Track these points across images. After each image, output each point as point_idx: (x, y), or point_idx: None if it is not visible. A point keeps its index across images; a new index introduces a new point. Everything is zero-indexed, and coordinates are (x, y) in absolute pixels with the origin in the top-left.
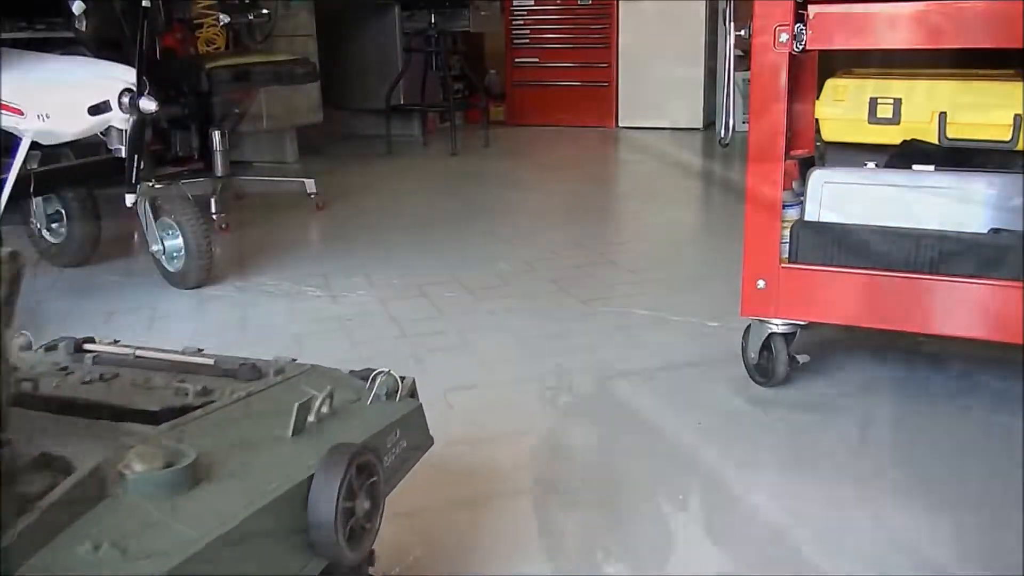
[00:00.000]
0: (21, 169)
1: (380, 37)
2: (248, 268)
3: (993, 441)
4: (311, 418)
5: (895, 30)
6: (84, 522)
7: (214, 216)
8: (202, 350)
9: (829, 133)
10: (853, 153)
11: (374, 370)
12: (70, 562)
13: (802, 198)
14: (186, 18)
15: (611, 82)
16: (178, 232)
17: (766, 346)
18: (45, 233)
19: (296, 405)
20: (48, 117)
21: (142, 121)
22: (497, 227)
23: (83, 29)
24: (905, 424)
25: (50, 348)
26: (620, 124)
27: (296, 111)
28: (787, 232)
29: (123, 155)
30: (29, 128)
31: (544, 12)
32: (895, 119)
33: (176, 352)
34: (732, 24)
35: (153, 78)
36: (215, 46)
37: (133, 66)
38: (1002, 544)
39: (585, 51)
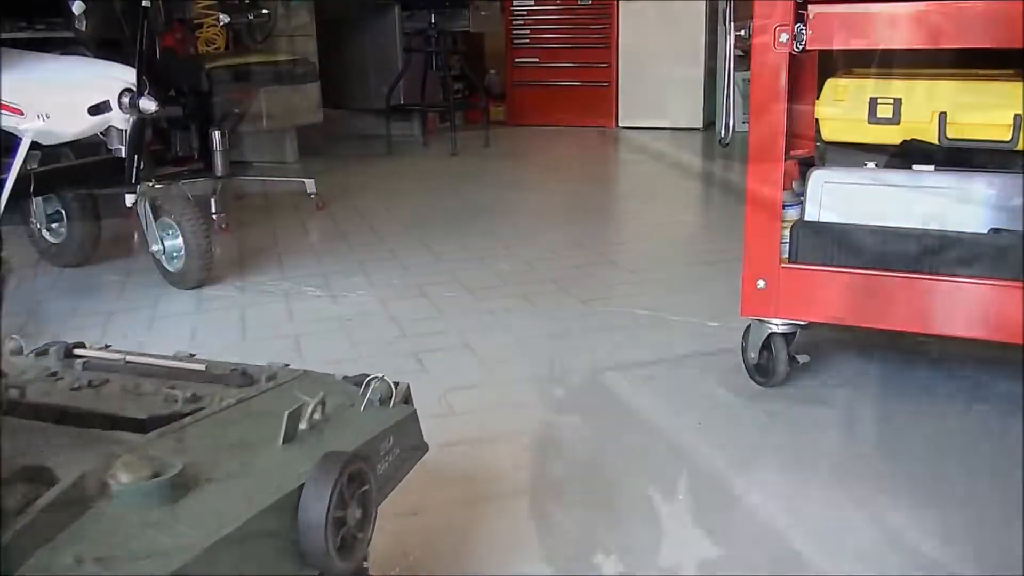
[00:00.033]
0: (21, 169)
1: (380, 37)
2: (248, 268)
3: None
4: (302, 425)
5: (895, 30)
6: (67, 535)
7: (214, 216)
8: (194, 355)
9: (829, 133)
10: (853, 153)
11: (368, 375)
12: None
13: (802, 198)
14: (186, 18)
15: (611, 82)
16: (178, 232)
17: (766, 346)
18: (45, 233)
19: (287, 413)
20: (48, 117)
21: (142, 121)
22: (497, 227)
23: (83, 29)
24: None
25: (40, 353)
26: (620, 124)
27: (296, 111)
28: (787, 232)
29: (123, 155)
30: (29, 128)
31: (544, 12)
32: (895, 119)
33: (167, 357)
34: (732, 24)
35: (153, 78)
36: (215, 46)
37: (133, 66)
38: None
39: (585, 51)
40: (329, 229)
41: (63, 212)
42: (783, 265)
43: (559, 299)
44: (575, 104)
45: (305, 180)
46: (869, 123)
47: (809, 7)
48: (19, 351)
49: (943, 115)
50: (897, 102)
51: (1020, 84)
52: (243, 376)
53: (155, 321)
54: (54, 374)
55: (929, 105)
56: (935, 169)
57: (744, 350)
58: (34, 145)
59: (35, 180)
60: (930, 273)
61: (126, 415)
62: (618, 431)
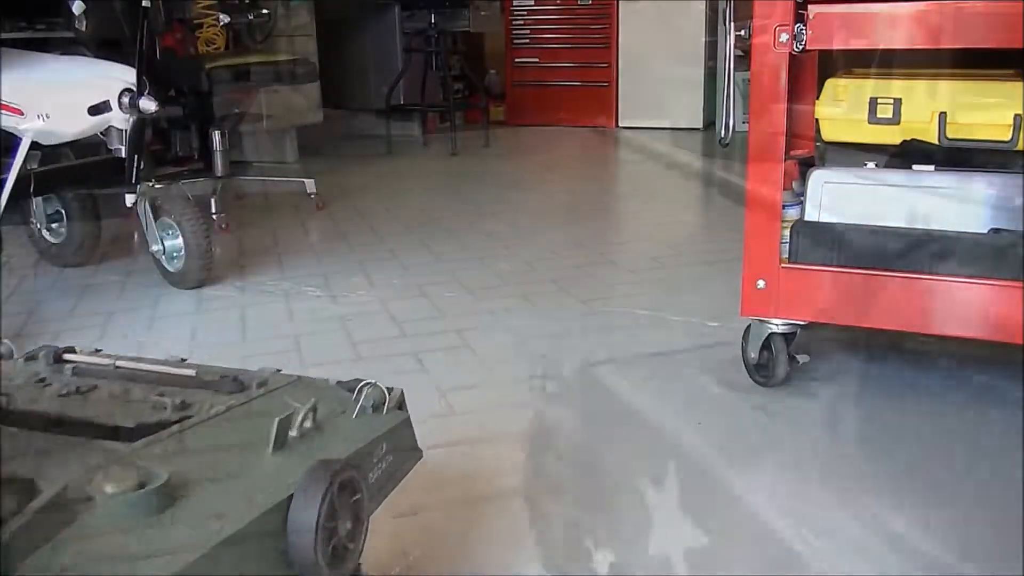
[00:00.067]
0: (21, 169)
1: (380, 37)
2: (248, 268)
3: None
4: (293, 433)
5: (895, 30)
6: (49, 549)
7: (214, 216)
8: (185, 360)
9: (829, 133)
10: (853, 153)
11: (361, 381)
12: None
13: (802, 198)
14: (186, 18)
15: (611, 82)
16: (178, 232)
17: (766, 346)
18: (45, 233)
19: (276, 420)
20: (48, 117)
21: (142, 121)
22: (497, 227)
23: (83, 29)
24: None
25: (30, 358)
26: (620, 124)
27: (296, 111)
28: (787, 232)
29: (123, 155)
30: (29, 128)
31: (544, 12)
32: (895, 119)
33: (157, 362)
34: (732, 24)
35: (153, 78)
36: (215, 46)
37: (133, 66)
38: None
39: (585, 51)
40: (329, 229)
41: (63, 212)
42: (783, 265)
43: (559, 299)
44: (575, 104)
45: (305, 180)
46: (869, 123)
47: (809, 7)
48: (9, 355)
49: (943, 115)
50: (897, 102)
51: (1020, 84)
52: (233, 382)
53: (155, 321)
54: (42, 380)
55: (929, 105)
56: (935, 169)
57: (744, 350)
58: (34, 145)
59: (35, 180)
60: (930, 273)
61: (113, 423)
62: (618, 431)
